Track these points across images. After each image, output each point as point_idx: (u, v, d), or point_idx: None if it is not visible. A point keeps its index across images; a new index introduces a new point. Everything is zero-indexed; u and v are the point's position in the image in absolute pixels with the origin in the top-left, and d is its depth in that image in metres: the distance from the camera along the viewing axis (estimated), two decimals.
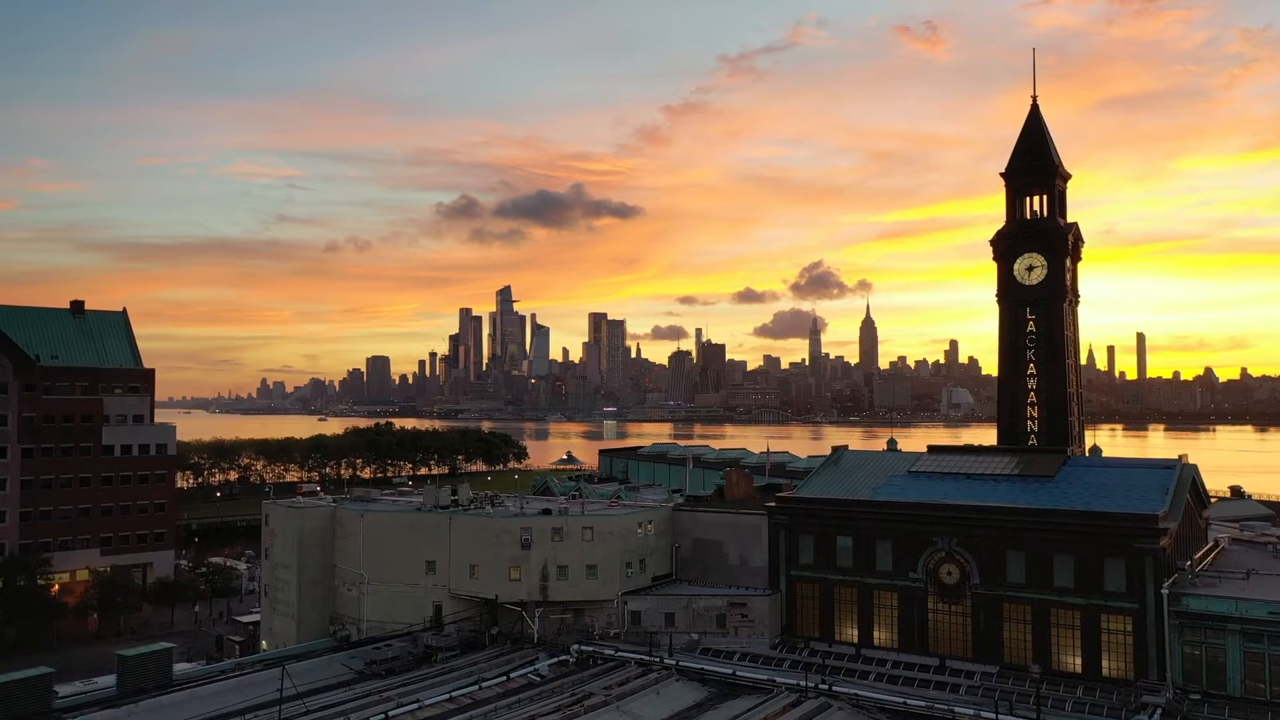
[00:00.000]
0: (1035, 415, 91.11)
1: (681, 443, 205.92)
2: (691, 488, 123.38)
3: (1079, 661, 68.51)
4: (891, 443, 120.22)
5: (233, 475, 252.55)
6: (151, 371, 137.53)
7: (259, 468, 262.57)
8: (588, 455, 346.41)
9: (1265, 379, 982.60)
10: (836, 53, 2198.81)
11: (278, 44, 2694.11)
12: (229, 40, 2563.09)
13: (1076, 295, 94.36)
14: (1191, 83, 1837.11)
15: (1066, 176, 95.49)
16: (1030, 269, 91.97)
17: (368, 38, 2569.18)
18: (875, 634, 76.89)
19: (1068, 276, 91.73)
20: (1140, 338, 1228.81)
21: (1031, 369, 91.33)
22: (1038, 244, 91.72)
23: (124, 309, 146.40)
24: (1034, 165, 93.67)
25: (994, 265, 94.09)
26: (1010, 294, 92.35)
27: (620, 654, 75.18)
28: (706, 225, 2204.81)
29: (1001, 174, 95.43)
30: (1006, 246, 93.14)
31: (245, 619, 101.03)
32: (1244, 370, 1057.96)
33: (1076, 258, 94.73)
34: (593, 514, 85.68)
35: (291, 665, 72.55)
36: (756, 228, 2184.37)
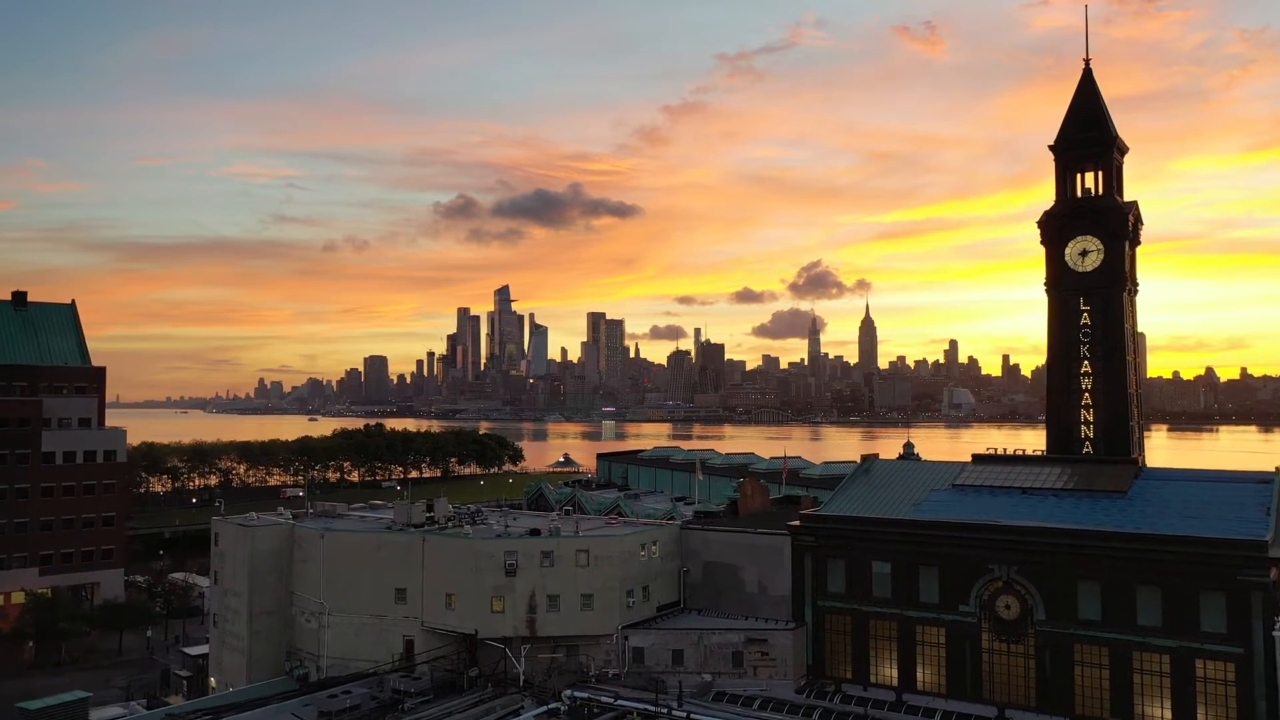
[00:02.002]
0: (1090, 419, 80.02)
1: (683, 445, 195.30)
2: (697, 495, 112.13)
3: (1168, 716, 58.66)
4: (908, 447, 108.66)
5: (213, 479, 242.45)
6: (101, 370, 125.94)
7: (241, 471, 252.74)
8: (586, 456, 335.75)
9: (1268, 379, 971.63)
10: (835, 53, 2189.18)
11: (276, 44, 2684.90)
12: (228, 41, 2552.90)
13: (1135, 283, 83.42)
14: (1190, 83, 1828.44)
15: (1124, 149, 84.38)
16: (1084, 254, 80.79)
17: (366, 38, 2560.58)
18: (919, 676, 66.35)
19: (1126, 262, 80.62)
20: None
21: (1086, 367, 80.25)
22: (1093, 225, 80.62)
23: (72, 300, 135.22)
24: (1088, 137, 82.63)
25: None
26: (1061, 282, 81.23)
27: (620, 702, 64.58)
28: (705, 225, 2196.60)
29: (1050, 147, 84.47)
30: (1057, 229, 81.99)
31: (193, 651, 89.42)
32: (1244, 370, 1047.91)
33: (1136, 241, 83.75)
34: (588, 534, 74.62)
35: (232, 718, 61.59)
36: (755, 228, 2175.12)
